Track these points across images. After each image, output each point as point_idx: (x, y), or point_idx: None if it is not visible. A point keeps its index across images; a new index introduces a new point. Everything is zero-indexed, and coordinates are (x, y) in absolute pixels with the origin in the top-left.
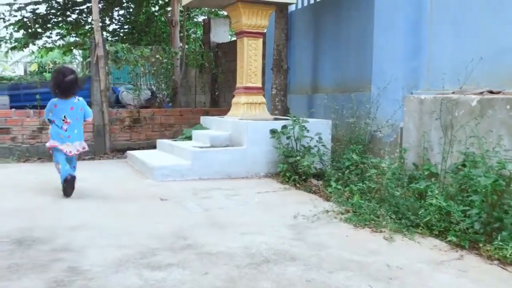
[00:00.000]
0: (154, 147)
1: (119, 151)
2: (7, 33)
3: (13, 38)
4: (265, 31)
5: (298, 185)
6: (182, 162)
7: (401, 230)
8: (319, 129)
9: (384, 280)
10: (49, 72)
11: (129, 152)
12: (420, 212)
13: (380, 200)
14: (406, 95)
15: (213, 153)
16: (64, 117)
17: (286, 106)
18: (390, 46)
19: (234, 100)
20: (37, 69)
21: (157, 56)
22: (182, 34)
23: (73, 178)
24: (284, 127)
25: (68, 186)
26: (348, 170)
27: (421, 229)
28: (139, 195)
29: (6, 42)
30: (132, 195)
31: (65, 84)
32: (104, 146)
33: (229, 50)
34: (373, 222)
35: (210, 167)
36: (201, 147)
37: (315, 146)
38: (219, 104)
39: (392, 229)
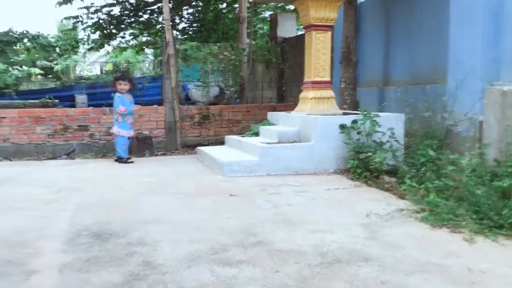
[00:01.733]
0: (222, 143)
1: (189, 147)
2: (85, 35)
3: (90, 40)
4: (333, 24)
5: (369, 182)
6: (250, 158)
7: (482, 231)
8: (391, 124)
9: (466, 284)
10: (123, 71)
11: (199, 148)
12: (504, 212)
13: (459, 198)
14: (486, 87)
15: (281, 149)
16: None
17: (355, 100)
18: (468, 36)
19: (301, 95)
20: (112, 69)
21: (225, 53)
22: (249, 30)
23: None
24: (354, 121)
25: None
26: (423, 167)
27: (505, 231)
28: (209, 190)
29: (84, 44)
30: (202, 190)
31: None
32: (176, 142)
33: (296, 45)
34: (451, 222)
35: (278, 163)
36: (269, 143)
37: (387, 141)
38: (285, 99)
39: (473, 229)
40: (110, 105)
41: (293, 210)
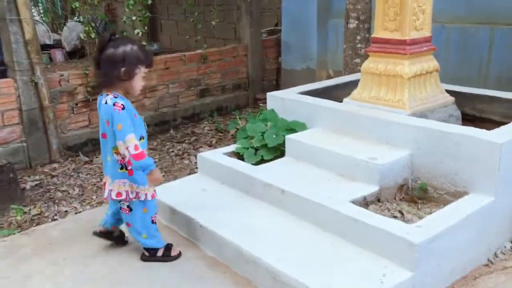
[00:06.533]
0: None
1: (74, 150)
2: None
3: None
4: None
5: None
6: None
7: None
8: None
9: None
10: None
11: (201, 224)
12: None
13: None
14: None
15: (452, 236)
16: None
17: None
18: None
19: (371, 66)
20: None
21: None
22: None
23: (103, 234)
24: None
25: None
26: None
27: None
28: None
29: None
30: None
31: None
32: (48, 146)
33: None
34: None
35: (438, 265)
36: (365, 201)
37: None
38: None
39: None
40: None
41: None
